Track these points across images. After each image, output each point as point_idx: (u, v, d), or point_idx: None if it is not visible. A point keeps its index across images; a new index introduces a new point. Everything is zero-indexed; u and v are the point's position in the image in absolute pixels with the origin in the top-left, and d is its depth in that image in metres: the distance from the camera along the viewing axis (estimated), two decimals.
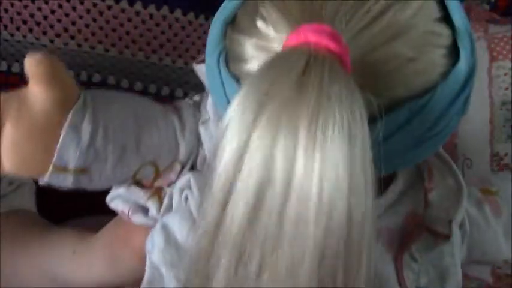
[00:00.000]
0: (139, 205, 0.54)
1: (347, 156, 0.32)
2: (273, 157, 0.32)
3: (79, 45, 0.81)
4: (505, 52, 0.78)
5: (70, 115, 0.45)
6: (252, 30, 0.40)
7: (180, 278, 0.49)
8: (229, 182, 0.33)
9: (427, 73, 0.39)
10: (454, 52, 0.40)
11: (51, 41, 0.80)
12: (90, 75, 0.84)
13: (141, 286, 0.54)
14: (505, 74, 0.77)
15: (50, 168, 0.45)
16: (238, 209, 0.33)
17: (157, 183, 0.54)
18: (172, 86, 0.85)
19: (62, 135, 0.45)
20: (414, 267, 0.46)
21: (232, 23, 0.43)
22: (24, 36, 0.80)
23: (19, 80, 0.82)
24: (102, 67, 0.83)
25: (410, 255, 0.47)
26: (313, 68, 0.33)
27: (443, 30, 0.40)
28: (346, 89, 0.33)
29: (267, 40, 0.39)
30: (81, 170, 0.47)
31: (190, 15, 0.82)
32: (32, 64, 0.44)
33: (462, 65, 0.39)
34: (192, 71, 0.82)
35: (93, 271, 0.60)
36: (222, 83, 0.42)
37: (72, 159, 0.46)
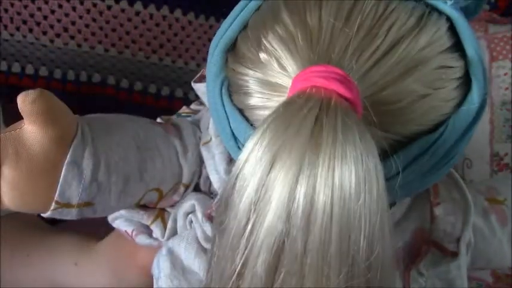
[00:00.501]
0: (143, 226, 0.53)
1: (363, 203, 0.32)
2: (292, 206, 0.32)
3: (79, 45, 0.82)
4: (505, 52, 0.78)
5: (70, 152, 0.43)
6: (254, 62, 0.39)
7: None
8: (245, 240, 0.33)
9: (439, 108, 0.38)
10: (466, 81, 0.39)
11: (51, 41, 0.80)
12: (90, 75, 0.84)
13: None
14: (505, 74, 0.77)
15: (53, 205, 0.44)
16: (259, 262, 0.32)
17: (160, 205, 0.53)
18: (172, 86, 0.85)
19: (62, 173, 0.43)
20: (421, 281, 0.46)
21: (232, 50, 0.42)
22: (24, 36, 0.80)
23: (19, 80, 0.83)
24: (102, 67, 0.83)
25: (417, 271, 0.47)
26: (325, 116, 0.32)
27: (456, 62, 0.39)
28: (359, 135, 0.32)
29: (272, 76, 0.38)
30: (85, 204, 0.45)
31: (190, 15, 0.82)
32: (26, 102, 0.41)
33: (474, 95, 0.39)
34: (192, 71, 0.82)
35: (96, 283, 0.60)
36: (226, 114, 0.41)
37: (75, 195, 0.44)
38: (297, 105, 0.33)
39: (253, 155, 0.33)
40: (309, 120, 0.32)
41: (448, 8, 0.39)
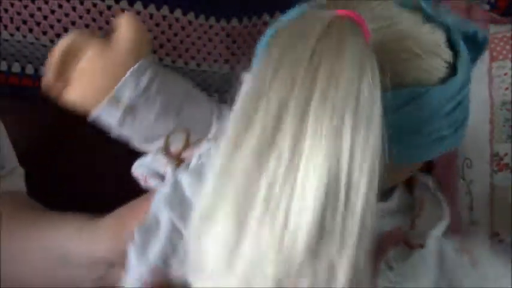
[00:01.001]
0: (158, 173, 0.57)
1: (355, 106, 0.37)
2: (288, 102, 0.37)
3: None
4: (505, 52, 0.78)
5: (140, 62, 0.57)
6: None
7: (176, 226, 0.50)
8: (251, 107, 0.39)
9: (429, 72, 0.45)
10: (453, 70, 0.46)
11: (51, 41, 0.80)
12: None
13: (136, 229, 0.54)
14: (505, 74, 0.77)
15: (108, 97, 0.56)
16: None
17: (183, 155, 0.57)
18: None
19: (127, 74, 0.56)
20: (390, 276, 0.47)
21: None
22: (24, 36, 0.80)
23: (19, 80, 0.83)
24: None
25: (386, 262, 0.48)
26: (336, 22, 0.39)
27: (448, 50, 0.46)
28: (362, 45, 0.39)
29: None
30: (131, 108, 0.57)
31: (190, 15, 0.82)
32: (127, 16, 0.58)
33: (458, 79, 0.46)
34: (192, 71, 0.82)
35: (99, 248, 0.61)
36: None
37: (127, 96, 0.56)
38: (314, 14, 0.40)
39: (265, 60, 0.39)
40: (321, 24, 0.39)
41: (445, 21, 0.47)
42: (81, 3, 0.79)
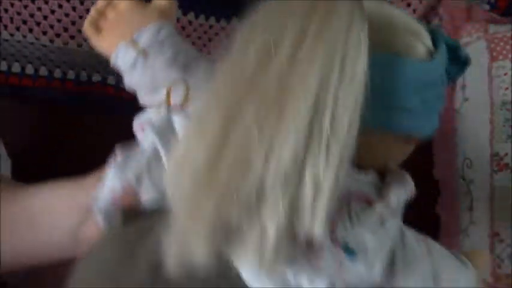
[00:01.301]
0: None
1: (346, 40, 0.43)
2: (285, 29, 0.42)
3: (79, 45, 0.82)
4: (505, 52, 0.78)
5: (164, 20, 0.64)
6: None
7: (158, 152, 0.52)
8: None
9: (411, 48, 0.50)
10: (431, 57, 0.51)
11: (51, 41, 0.80)
12: (90, 75, 0.84)
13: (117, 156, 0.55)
14: (505, 74, 0.77)
15: (128, 39, 0.62)
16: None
17: (183, 107, 0.59)
18: None
19: (151, 24, 0.63)
20: (347, 225, 0.48)
21: None
22: (24, 36, 0.80)
23: (19, 80, 0.83)
24: (102, 67, 0.83)
25: (348, 213, 0.49)
26: None
27: (430, 43, 0.51)
28: (357, 3, 0.44)
29: None
30: (144, 52, 0.62)
31: (190, 15, 0.82)
32: None
33: (434, 63, 0.51)
34: None
35: (80, 195, 0.62)
36: None
37: (145, 40, 0.62)
38: None
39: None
40: None
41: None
42: (81, 3, 0.80)
